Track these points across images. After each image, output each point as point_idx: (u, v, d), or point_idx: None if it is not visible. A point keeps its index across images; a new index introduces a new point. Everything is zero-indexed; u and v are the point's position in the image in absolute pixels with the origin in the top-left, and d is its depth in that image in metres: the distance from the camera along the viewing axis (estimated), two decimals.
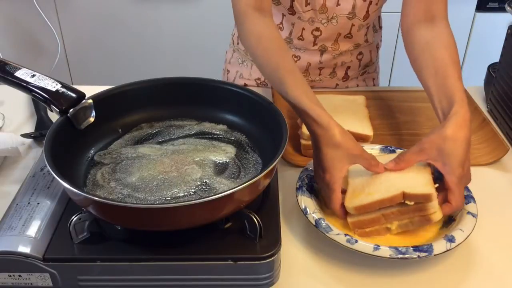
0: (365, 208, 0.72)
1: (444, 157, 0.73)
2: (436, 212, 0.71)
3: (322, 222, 0.72)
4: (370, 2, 1.04)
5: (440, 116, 0.79)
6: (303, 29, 1.07)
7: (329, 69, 1.15)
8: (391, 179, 0.74)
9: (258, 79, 1.21)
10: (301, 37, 1.09)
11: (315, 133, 0.74)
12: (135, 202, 0.68)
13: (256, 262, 0.63)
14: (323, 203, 0.78)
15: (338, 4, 1.03)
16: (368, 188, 0.73)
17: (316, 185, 0.79)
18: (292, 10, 1.05)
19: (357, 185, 0.75)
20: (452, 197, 0.72)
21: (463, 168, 0.73)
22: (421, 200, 0.70)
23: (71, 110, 0.73)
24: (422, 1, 0.91)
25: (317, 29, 1.07)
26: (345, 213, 0.74)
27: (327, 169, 0.73)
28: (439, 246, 0.68)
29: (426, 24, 0.89)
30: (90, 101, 0.76)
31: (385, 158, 0.80)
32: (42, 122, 1.02)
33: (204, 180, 0.72)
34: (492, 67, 1.10)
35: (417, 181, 0.73)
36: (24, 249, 0.63)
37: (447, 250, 0.68)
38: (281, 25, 1.09)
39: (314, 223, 0.72)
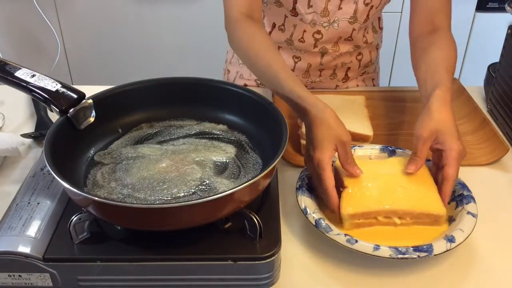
0: (365, 215, 0.73)
1: (442, 137, 0.76)
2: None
3: (322, 222, 0.72)
4: (371, 7, 1.04)
5: (423, 102, 0.83)
6: (304, 31, 1.07)
7: (329, 70, 1.16)
8: (397, 191, 0.75)
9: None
10: (302, 39, 1.09)
11: (309, 113, 0.77)
12: (135, 202, 0.68)
13: (256, 262, 0.63)
14: (318, 195, 0.78)
15: (339, 8, 1.03)
16: (369, 195, 0.74)
17: (310, 173, 0.79)
18: (294, 12, 1.05)
19: (356, 189, 0.75)
20: (450, 170, 0.75)
21: (460, 141, 0.76)
22: (431, 219, 0.74)
23: (71, 110, 0.73)
24: (426, 15, 0.97)
25: (318, 32, 1.07)
26: (337, 196, 0.75)
27: (317, 147, 0.74)
28: (439, 246, 0.68)
29: (429, 34, 0.95)
30: (90, 101, 0.76)
31: (383, 162, 0.81)
32: (42, 122, 1.02)
33: (204, 180, 0.72)
34: (492, 67, 1.10)
35: (427, 197, 0.75)
36: (24, 249, 0.63)
37: (447, 250, 0.68)
38: (282, 27, 1.09)
39: (314, 223, 0.72)
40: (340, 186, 0.76)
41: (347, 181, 0.76)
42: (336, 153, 0.76)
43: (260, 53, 0.88)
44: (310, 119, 0.76)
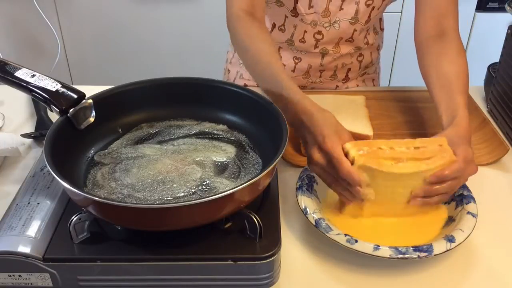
0: (371, 144, 0.71)
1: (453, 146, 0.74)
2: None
3: (322, 222, 0.72)
4: (373, 8, 1.04)
5: (443, 126, 0.81)
6: (305, 31, 1.07)
7: (330, 71, 1.16)
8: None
9: None
10: (302, 40, 1.09)
11: (310, 113, 0.75)
12: (135, 202, 0.68)
13: (256, 262, 0.63)
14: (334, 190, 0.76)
15: (341, 9, 1.03)
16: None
17: (316, 172, 0.76)
18: (295, 12, 1.05)
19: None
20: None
21: (468, 151, 0.73)
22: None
23: (71, 110, 0.73)
24: (433, 18, 0.95)
25: (319, 32, 1.07)
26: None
27: (326, 138, 0.72)
28: (439, 246, 0.68)
29: (437, 39, 0.93)
30: (90, 101, 0.76)
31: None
32: (42, 122, 1.02)
33: (204, 180, 0.72)
34: (492, 67, 1.10)
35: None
36: (24, 249, 0.63)
37: (447, 250, 0.68)
38: (282, 27, 1.09)
39: (314, 223, 0.72)
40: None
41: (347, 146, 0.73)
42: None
43: (260, 53, 0.87)
44: (311, 118, 0.75)
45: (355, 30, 1.07)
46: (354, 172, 0.69)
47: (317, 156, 0.73)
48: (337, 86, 1.20)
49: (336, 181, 0.73)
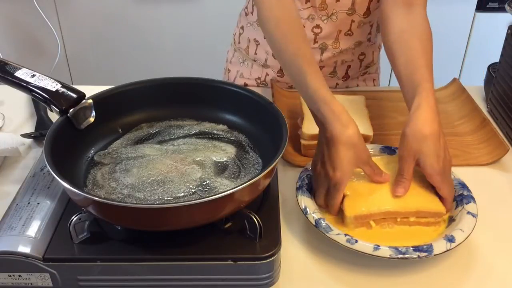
0: (368, 217, 0.73)
1: (422, 159, 0.74)
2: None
3: (322, 222, 0.72)
4: None
5: (408, 108, 0.80)
6: (303, 26, 1.07)
7: (329, 68, 1.15)
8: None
9: (258, 78, 1.21)
10: None
11: (331, 126, 0.73)
12: (135, 202, 0.68)
13: (256, 262, 0.63)
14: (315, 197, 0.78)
15: (337, 0, 1.03)
16: (371, 197, 0.74)
17: (315, 179, 0.77)
18: None
19: (356, 193, 0.75)
20: (442, 192, 0.75)
21: (439, 162, 0.73)
22: (433, 216, 0.74)
23: (71, 110, 0.73)
24: None
25: (317, 26, 1.07)
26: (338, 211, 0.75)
27: (338, 168, 0.72)
28: (439, 246, 0.68)
29: (403, 11, 0.88)
30: (90, 101, 0.76)
31: (384, 160, 0.81)
32: (42, 122, 1.02)
33: (204, 180, 0.72)
34: (492, 67, 1.10)
35: (426, 196, 0.75)
36: (24, 249, 0.63)
37: (447, 250, 0.68)
38: None
39: (314, 223, 0.72)
40: None
41: (347, 188, 0.75)
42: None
43: (286, 39, 0.82)
44: (332, 133, 0.73)
45: (352, 21, 1.07)
46: (336, 211, 0.75)
47: (325, 171, 0.74)
48: (337, 84, 1.19)
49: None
